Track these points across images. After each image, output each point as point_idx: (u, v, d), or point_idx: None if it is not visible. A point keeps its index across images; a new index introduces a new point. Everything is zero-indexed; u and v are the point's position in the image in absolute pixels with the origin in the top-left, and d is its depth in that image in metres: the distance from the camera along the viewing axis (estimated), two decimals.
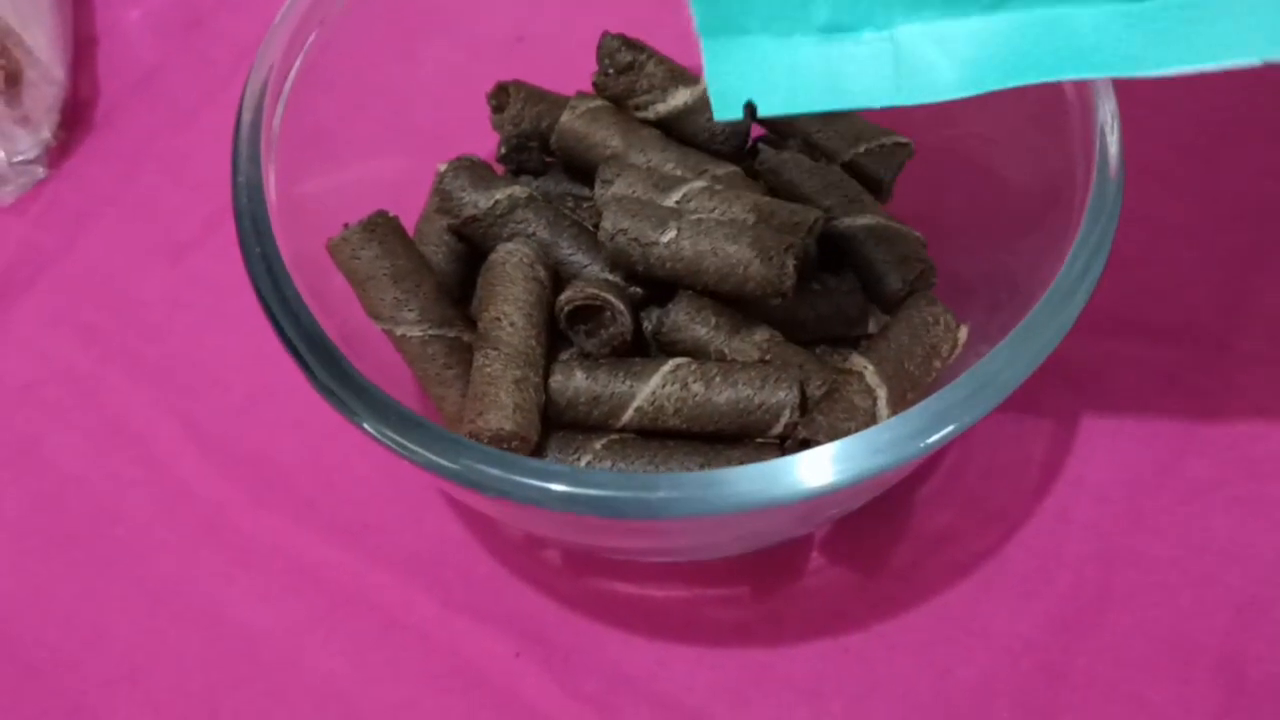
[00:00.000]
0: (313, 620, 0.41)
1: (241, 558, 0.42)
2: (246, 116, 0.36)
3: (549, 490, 0.30)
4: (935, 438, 0.31)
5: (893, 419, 0.31)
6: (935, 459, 0.43)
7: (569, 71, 0.43)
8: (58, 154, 0.50)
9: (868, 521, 0.42)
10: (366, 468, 0.43)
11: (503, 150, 0.43)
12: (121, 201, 0.50)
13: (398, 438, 0.31)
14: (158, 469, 0.44)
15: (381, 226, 0.37)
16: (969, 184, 0.43)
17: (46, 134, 0.49)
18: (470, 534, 0.42)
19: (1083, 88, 0.37)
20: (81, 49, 0.53)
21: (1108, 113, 0.36)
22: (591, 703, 0.39)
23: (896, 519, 0.42)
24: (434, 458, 0.30)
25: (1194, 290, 0.46)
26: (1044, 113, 0.38)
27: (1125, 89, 0.41)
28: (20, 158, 0.49)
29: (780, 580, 0.41)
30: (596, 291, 0.37)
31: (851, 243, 0.40)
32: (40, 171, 0.50)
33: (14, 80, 0.48)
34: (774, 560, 0.41)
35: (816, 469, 0.30)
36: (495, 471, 0.30)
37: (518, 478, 0.30)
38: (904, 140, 0.42)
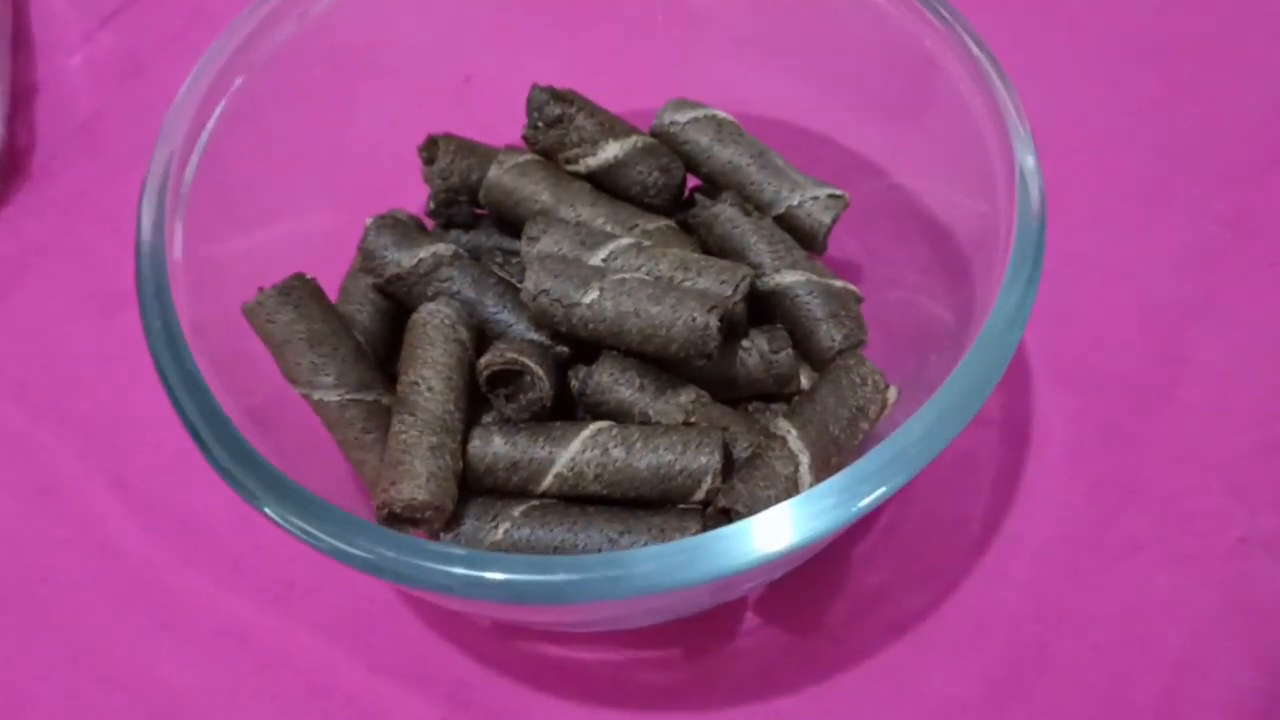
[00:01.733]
0: (238, 682, 0.40)
1: (168, 618, 0.42)
2: (153, 180, 0.36)
3: (450, 574, 0.29)
4: (856, 508, 0.30)
5: (812, 489, 0.30)
6: (872, 515, 0.42)
7: (520, 112, 0.43)
8: None
9: (802, 580, 0.41)
10: None
11: (431, 205, 0.42)
12: (57, 252, 0.49)
13: (297, 521, 0.30)
14: (86, 527, 0.43)
15: (298, 290, 0.37)
16: (902, 234, 0.43)
17: None
18: (398, 596, 0.42)
19: (1003, 141, 0.36)
20: (21, 98, 0.52)
21: (1028, 161, 0.35)
22: None
23: (831, 577, 0.42)
24: (333, 542, 0.30)
25: (1134, 340, 0.46)
26: (969, 165, 0.38)
27: (1059, 137, 0.41)
28: None
29: (712, 642, 0.41)
30: (515, 356, 0.36)
31: (783, 299, 0.40)
32: None
33: None
34: (707, 622, 0.41)
35: (727, 549, 0.29)
36: (393, 555, 0.29)
37: (416, 561, 0.29)
38: (838, 192, 0.41)
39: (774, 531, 0.30)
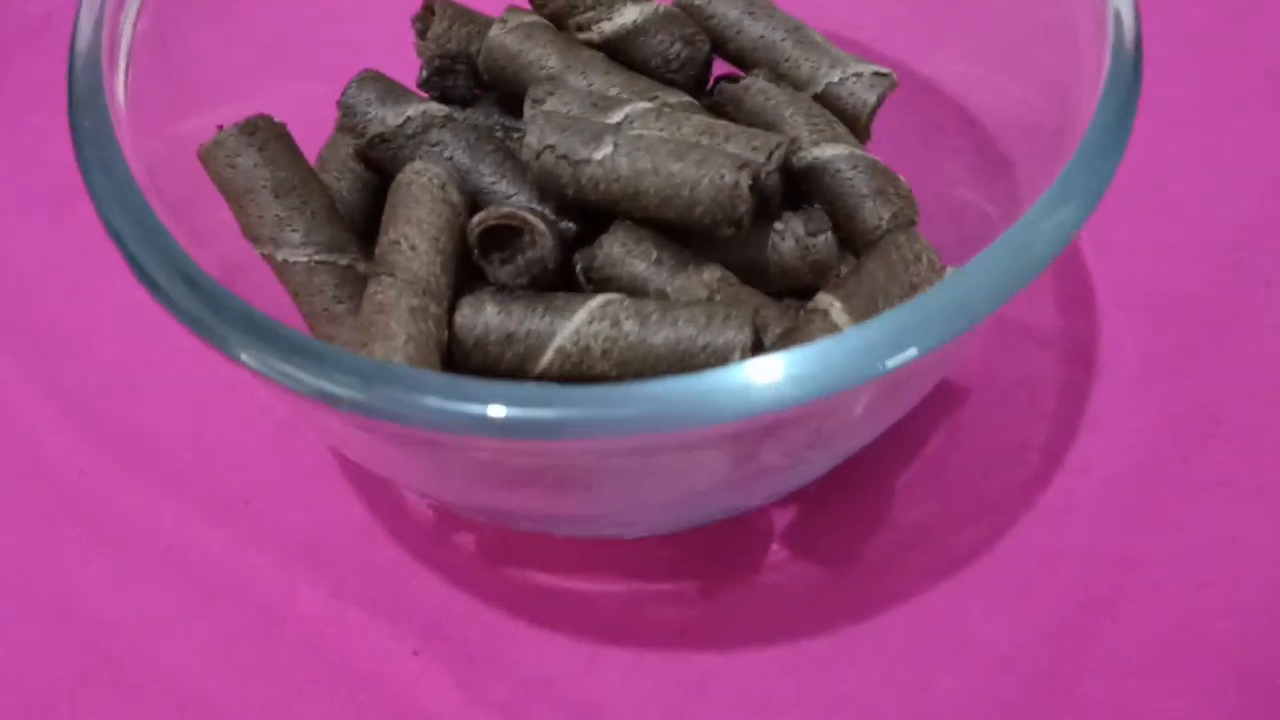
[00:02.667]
0: (178, 610, 0.35)
1: (99, 536, 0.36)
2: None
3: (434, 408, 0.24)
4: (913, 350, 0.25)
5: (859, 326, 0.25)
6: (916, 440, 0.37)
7: None
8: None
9: (836, 509, 0.36)
10: (253, 439, 0.37)
11: (424, 74, 0.37)
12: (4, 147, 0.44)
13: (279, 364, 0.25)
14: (11, 433, 0.38)
15: (263, 130, 0.32)
16: (945, 122, 0.38)
17: None
18: (370, 515, 0.36)
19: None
20: None
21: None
22: (501, 711, 0.33)
23: (870, 508, 0.36)
24: (324, 385, 0.24)
25: (1210, 260, 0.40)
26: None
27: None
28: None
29: (732, 575, 0.35)
30: (514, 210, 0.31)
31: (822, 175, 0.34)
32: None
33: None
34: (725, 551, 0.35)
35: (757, 378, 0.24)
36: (389, 390, 0.24)
37: (402, 394, 0.24)
38: (884, 70, 0.37)
39: (820, 361, 0.24)
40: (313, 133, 0.36)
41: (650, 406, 0.23)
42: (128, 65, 0.31)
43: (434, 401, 0.24)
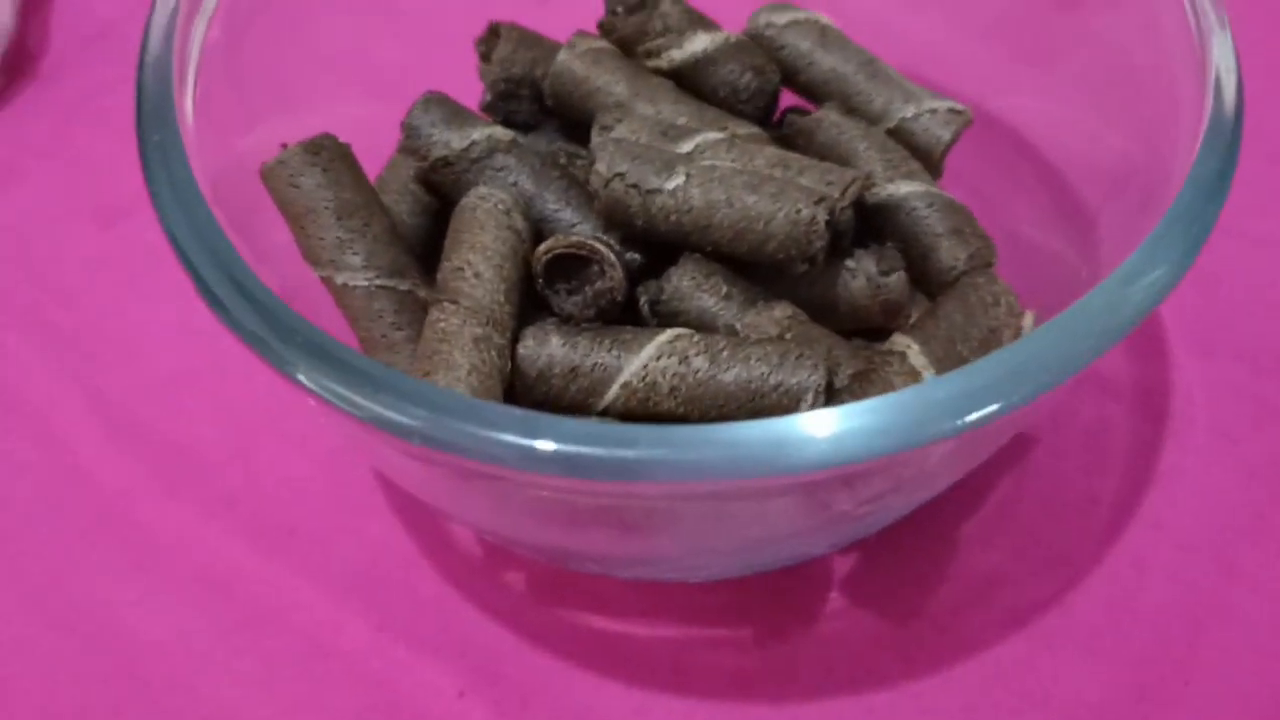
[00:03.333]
0: (217, 637, 0.34)
1: (140, 556, 0.35)
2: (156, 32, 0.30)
3: (508, 443, 0.23)
4: (997, 406, 0.24)
5: (944, 377, 0.24)
6: (981, 488, 0.36)
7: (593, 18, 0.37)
8: None
9: (900, 557, 0.35)
10: (303, 463, 0.36)
11: (488, 98, 0.37)
12: (55, 158, 0.44)
13: (337, 387, 0.24)
14: (54, 448, 0.37)
15: (328, 150, 0.31)
16: (1030, 160, 0.37)
17: None
18: (419, 548, 0.35)
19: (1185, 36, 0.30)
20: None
21: (1225, 51, 0.29)
22: None
23: (934, 557, 0.35)
24: (381, 410, 0.23)
25: None
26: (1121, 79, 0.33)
27: None
28: None
29: (791, 622, 0.34)
30: (582, 239, 0.30)
31: (896, 212, 0.33)
32: None
33: None
34: (784, 597, 0.34)
35: (844, 426, 0.23)
36: (452, 422, 0.23)
37: (474, 429, 0.23)
38: (959, 106, 0.36)
39: (910, 411, 0.23)
40: (374, 154, 0.36)
41: (734, 451, 0.22)
42: (195, 78, 0.30)
43: (506, 437, 0.23)
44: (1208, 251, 0.39)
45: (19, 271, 0.41)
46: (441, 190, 0.34)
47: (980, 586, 0.34)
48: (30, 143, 0.44)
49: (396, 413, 0.23)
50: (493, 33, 0.38)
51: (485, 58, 0.38)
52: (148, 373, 0.38)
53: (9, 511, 0.36)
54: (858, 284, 0.33)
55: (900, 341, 0.30)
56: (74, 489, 0.36)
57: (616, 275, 0.30)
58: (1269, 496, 0.36)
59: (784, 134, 0.36)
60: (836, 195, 0.31)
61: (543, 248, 0.31)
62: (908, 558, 0.35)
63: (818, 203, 0.30)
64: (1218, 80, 0.29)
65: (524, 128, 0.37)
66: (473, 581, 0.34)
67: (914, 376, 0.29)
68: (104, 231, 0.42)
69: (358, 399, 0.24)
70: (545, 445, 0.22)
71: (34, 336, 0.39)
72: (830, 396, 0.30)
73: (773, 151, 0.33)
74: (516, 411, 0.23)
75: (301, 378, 0.24)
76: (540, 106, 0.37)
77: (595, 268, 0.30)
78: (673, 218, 0.31)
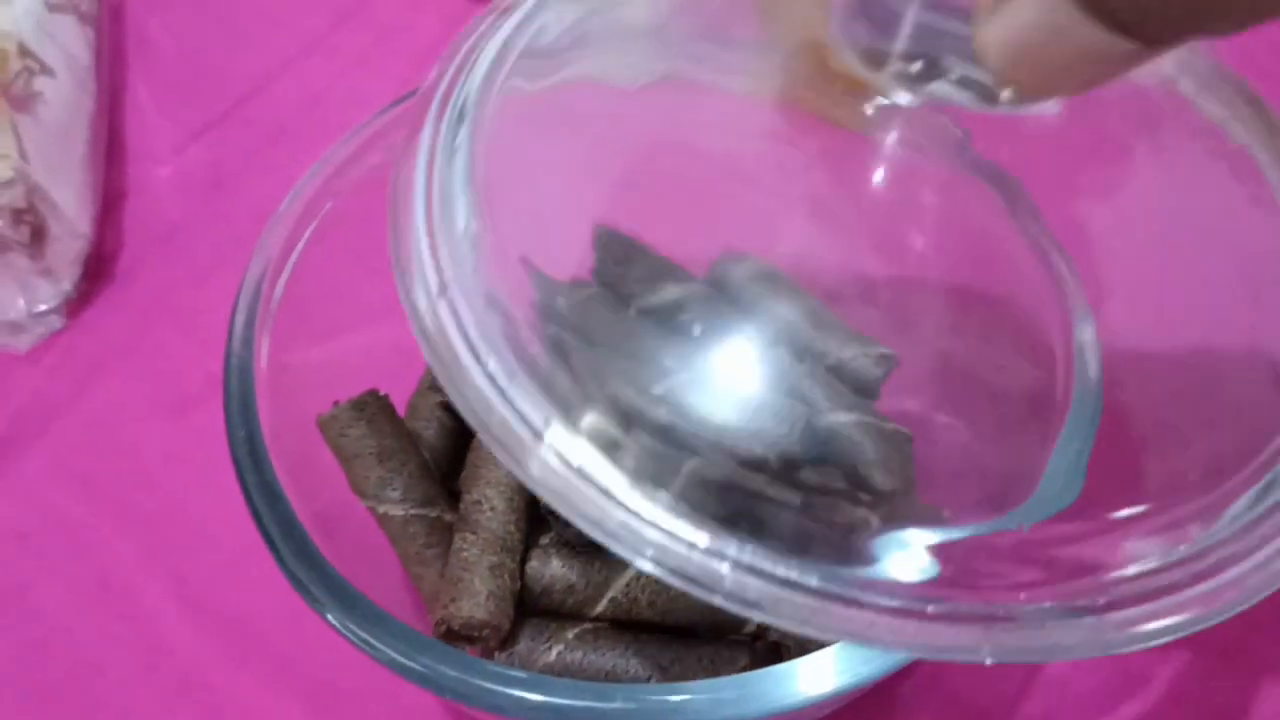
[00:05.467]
0: None
1: (216, 718, 0.42)
2: (245, 296, 0.37)
3: (509, 695, 0.30)
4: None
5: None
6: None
7: None
8: (76, 305, 0.52)
9: (846, 715, 0.42)
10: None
11: None
12: (133, 354, 0.51)
13: (359, 631, 0.31)
14: (141, 624, 0.44)
15: (370, 406, 0.38)
16: (950, 394, 0.44)
17: (67, 286, 0.51)
18: (444, 710, 0.42)
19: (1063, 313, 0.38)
20: (110, 203, 0.55)
21: (1087, 334, 0.36)
22: None
23: (876, 716, 0.42)
24: (394, 655, 0.31)
25: None
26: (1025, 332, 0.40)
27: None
28: (40, 308, 0.50)
29: None
30: None
31: (838, 439, 0.41)
32: (57, 322, 0.51)
33: (39, 236, 0.49)
34: None
35: (775, 688, 0.30)
36: (452, 673, 0.30)
37: (474, 680, 0.30)
38: (888, 351, 0.43)
39: (821, 673, 0.30)
40: (402, 362, 0.43)
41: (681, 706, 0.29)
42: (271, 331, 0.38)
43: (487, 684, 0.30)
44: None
45: (108, 461, 0.48)
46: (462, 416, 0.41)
47: None
48: (110, 341, 0.51)
49: (397, 654, 0.31)
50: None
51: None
52: (216, 553, 0.45)
53: (105, 678, 0.43)
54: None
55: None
56: (157, 658, 0.43)
57: None
58: (1148, 660, 0.42)
59: None
60: (785, 430, 0.38)
61: None
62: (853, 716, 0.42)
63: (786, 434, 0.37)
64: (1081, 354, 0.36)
65: None
66: None
67: None
68: (177, 421, 0.49)
69: (370, 640, 0.31)
70: (536, 697, 0.30)
71: (121, 521, 0.46)
72: None
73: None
74: (520, 674, 0.30)
75: (330, 618, 0.32)
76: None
77: None
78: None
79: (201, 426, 0.49)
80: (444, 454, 0.42)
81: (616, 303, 0.42)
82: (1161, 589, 0.27)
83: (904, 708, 0.42)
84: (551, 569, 0.37)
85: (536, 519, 0.39)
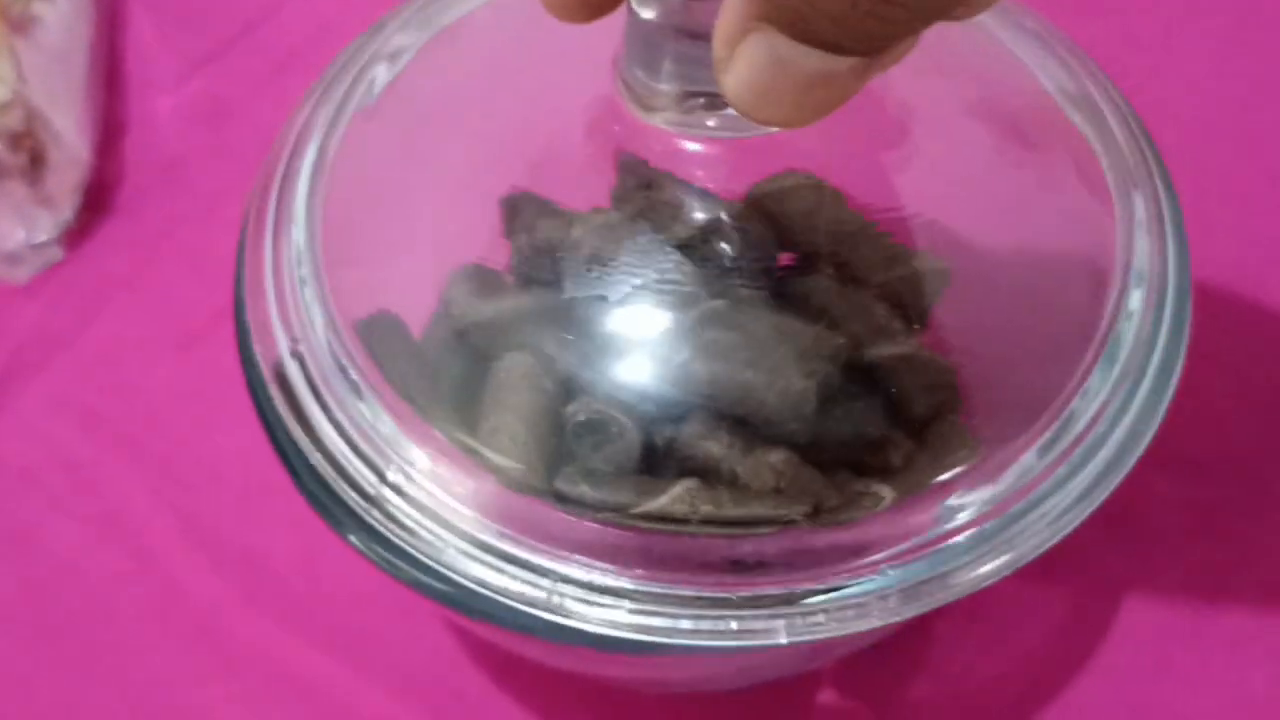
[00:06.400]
0: None
1: (229, 663, 0.41)
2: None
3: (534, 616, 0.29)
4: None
5: None
6: None
7: None
8: (76, 236, 0.50)
9: (882, 654, 0.40)
10: (366, 570, 0.42)
11: (514, 261, 0.42)
12: (136, 288, 0.49)
13: (383, 551, 0.30)
14: (151, 564, 0.43)
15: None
16: (1001, 316, 0.42)
17: (68, 215, 0.49)
18: (465, 649, 0.41)
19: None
20: (111, 133, 0.53)
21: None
22: None
23: (914, 652, 0.40)
24: (417, 575, 0.30)
25: (1232, 425, 0.44)
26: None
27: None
28: (40, 238, 0.48)
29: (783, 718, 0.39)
30: (602, 408, 0.36)
31: (879, 370, 0.39)
32: (57, 253, 0.49)
33: (39, 161, 0.48)
34: (775, 695, 0.39)
35: None
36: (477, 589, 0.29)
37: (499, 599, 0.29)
38: (942, 266, 0.41)
39: None
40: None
41: None
42: None
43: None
44: None
45: (113, 397, 0.46)
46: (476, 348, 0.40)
47: (953, 679, 0.40)
48: (112, 274, 0.49)
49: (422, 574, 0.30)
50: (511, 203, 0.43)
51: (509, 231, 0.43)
52: (226, 491, 0.44)
53: (113, 620, 0.42)
54: (843, 425, 0.38)
55: (881, 490, 0.35)
56: (171, 601, 0.42)
57: (631, 438, 0.36)
58: (1203, 601, 0.41)
59: (781, 292, 0.41)
60: (827, 368, 0.37)
61: (569, 410, 0.36)
62: (889, 654, 0.40)
63: (809, 376, 0.35)
64: None
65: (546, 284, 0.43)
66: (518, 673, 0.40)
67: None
68: (182, 356, 0.47)
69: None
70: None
71: (127, 457, 0.45)
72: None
73: (770, 318, 0.38)
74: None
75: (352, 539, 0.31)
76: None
77: (614, 429, 0.36)
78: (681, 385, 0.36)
79: (208, 362, 0.47)
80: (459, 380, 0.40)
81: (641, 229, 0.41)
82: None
83: (940, 644, 0.40)
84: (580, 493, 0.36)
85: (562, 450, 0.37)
